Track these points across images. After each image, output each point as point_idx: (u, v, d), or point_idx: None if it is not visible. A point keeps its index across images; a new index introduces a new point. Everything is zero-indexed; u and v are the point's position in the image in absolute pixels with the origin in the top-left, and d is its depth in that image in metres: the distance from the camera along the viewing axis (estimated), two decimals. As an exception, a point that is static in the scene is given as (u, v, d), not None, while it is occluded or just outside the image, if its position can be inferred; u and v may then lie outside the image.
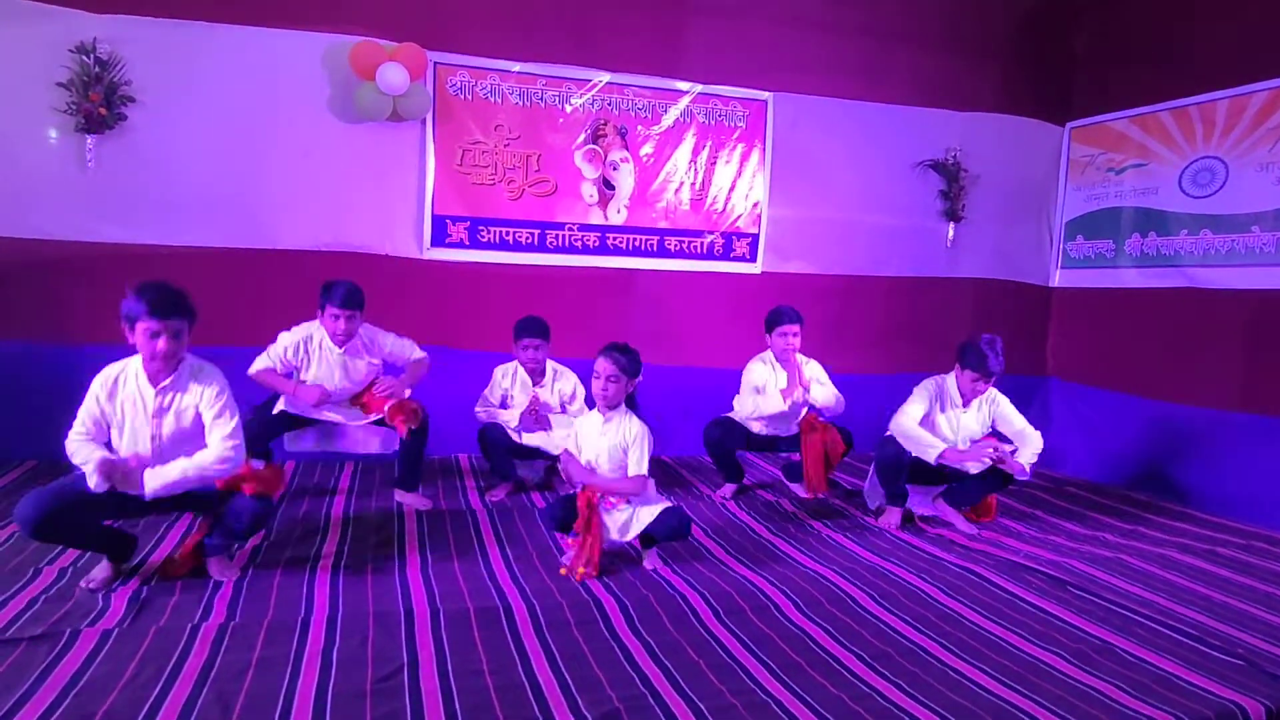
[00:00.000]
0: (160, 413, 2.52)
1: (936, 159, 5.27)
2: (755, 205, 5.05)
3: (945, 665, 2.31)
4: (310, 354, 3.44)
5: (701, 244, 4.98)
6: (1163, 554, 3.40)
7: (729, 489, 4.03)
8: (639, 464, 2.87)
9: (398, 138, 4.39)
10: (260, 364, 3.40)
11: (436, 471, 4.23)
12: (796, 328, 3.90)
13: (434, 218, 4.51)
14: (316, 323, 3.45)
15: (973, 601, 2.79)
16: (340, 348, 3.44)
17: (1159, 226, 4.87)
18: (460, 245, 4.57)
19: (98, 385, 2.51)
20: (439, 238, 4.53)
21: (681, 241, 4.94)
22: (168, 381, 2.51)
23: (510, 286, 4.63)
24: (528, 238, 4.68)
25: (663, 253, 4.92)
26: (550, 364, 3.88)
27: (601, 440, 2.90)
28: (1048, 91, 5.48)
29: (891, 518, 3.64)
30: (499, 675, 2.13)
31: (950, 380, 3.66)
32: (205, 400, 2.55)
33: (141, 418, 2.51)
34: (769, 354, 4.00)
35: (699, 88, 4.86)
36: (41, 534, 2.42)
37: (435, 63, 4.39)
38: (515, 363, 3.85)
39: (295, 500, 3.61)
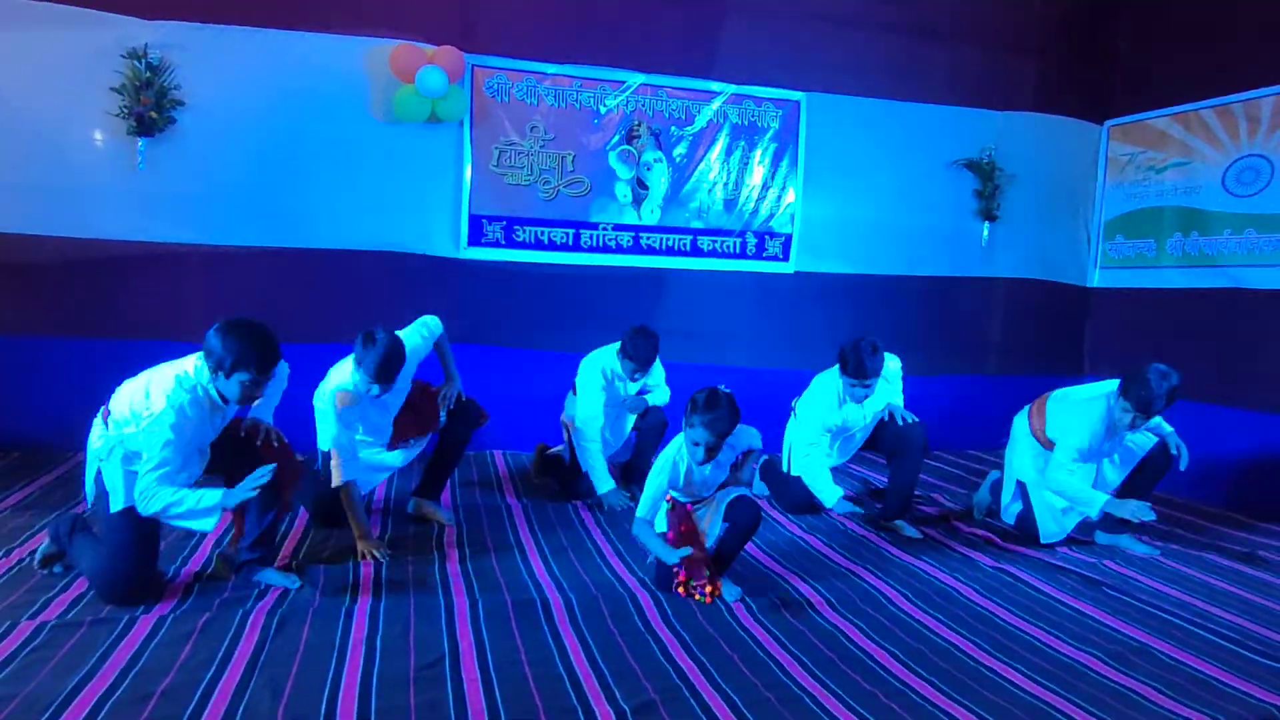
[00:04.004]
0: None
1: (971, 158, 5.23)
2: (788, 205, 5.06)
3: (979, 664, 2.32)
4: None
5: (734, 243, 5.00)
6: (1201, 556, 3.36)
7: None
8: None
9: (436, 139, 4.46)
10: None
11: (472, 468, 4.30)
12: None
13: (471, 217, 4.58)
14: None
15: (1007, 601, 2.79)
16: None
17: (1201, 226, 4.79)
18: (496, 245, 4.64)
19: (179, 422, 2.34)
20: (475, 237, 4.60)
21: (715, 241, 4.97)
22: None
23: (545, 285, 4.69)
24: (563, 237, 4.74)
25: (696, 252, 4.95)
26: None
27: (703, 472, 2.69)
28: (1086, 89, 5.41)
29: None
30: (537, 666, 2.18)
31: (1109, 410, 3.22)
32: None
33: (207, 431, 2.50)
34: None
35: (732, 89, 4.88)
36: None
37: (473, 65, 4.46)
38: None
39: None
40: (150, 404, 2.35)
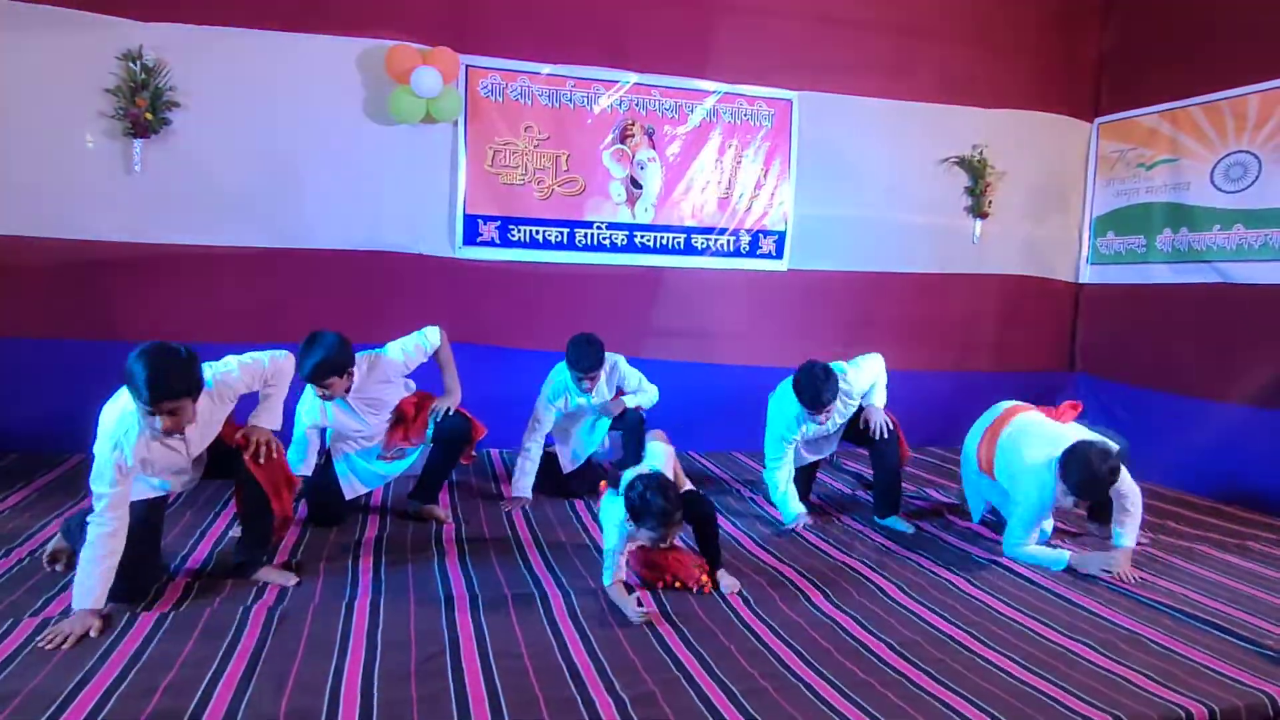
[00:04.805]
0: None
1: (963, 155, 5.27)
2: (781, 203, 5.08)
3: (973, 653, 2.35)
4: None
5: (728, 242, 5.03)
6: (1192, 548, 3.40)
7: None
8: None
9: (430, 139, 4.48)
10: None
11: (469, 467, 4.30)
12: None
13: (465, 217, 4.59)
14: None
15: (999, 592, 2.82)
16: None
17: (1190, 222, 4.84)
18: (491, 244, 4.65)
19: (112, 450, 2.27)
20: (470, 237, 4.62)
21: (708, 239, 4.99)
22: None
23: (540, 284, 4.71)
24: (557, 236, 4.76)
25: (690, 250, 4.98)
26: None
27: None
28: (1076, 87, 5.46)
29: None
30: (537, 658, 2.20)
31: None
32: (220, 395, 2.48)
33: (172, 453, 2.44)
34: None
35: (724, 88, 4.90)
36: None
37: (467, 65, 4.47)
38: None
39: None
40: (101, 428, 2.31)
